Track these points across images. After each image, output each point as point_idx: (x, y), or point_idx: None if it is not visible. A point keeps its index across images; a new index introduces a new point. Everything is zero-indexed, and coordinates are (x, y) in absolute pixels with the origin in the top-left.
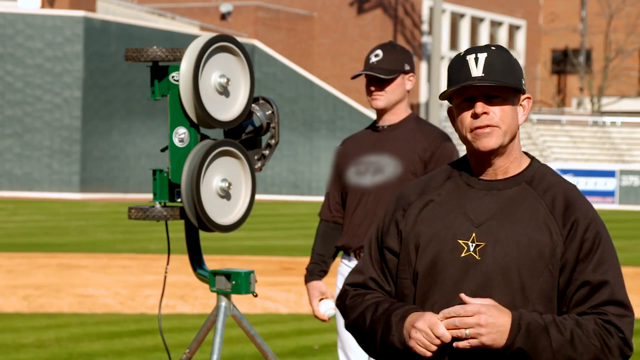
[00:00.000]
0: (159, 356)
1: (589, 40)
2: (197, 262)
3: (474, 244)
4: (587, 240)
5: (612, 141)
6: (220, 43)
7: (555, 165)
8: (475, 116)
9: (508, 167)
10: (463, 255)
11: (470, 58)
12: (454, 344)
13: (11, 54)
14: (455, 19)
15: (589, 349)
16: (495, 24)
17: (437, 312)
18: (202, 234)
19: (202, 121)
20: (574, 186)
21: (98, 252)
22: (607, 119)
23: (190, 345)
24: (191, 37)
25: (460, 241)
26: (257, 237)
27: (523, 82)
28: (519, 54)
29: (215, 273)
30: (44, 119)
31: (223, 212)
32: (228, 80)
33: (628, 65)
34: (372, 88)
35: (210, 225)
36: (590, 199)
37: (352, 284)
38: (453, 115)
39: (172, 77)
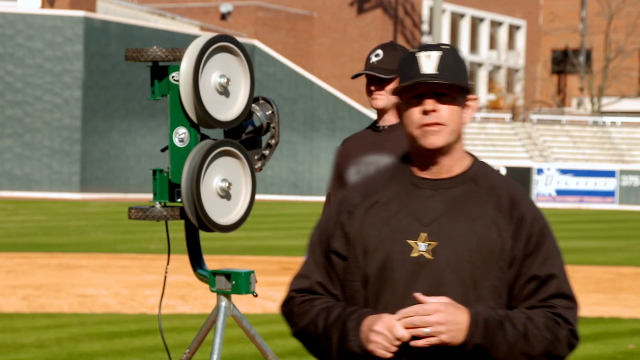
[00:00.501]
0: (159, 356)
1: (589, 40)
2: (197, 262)
3: (425, 244)
4: (534, 235)
5: (612, 141)
6: (220, 43)
7: (555, 165)
8: (424, 113)
9: (452, 165)
10: (413, 255)
11: (422, 55)
12: (412, 343)
13: (11, 54)
14: (455, 19)
15: (541, 342)
16: (495, 24)
17: (390, 314)
18: (202, 234)
19: (202, 121)
20: (517, 183)
21: (98, 252)
22: (607, 119)
23: (190, 345)
24: (191, 37)
25: (409, 241)
26: (257, 237)
27: (470, 83)
28: (519, 54)
29: (215, 273)
30: (44, 119)
31: (223, 212)
32: (228, 80)
33: (628, 65)
34: (372, 88)
35: (210, 225)
36: (590, 198)
37: (298, 289)
38: (400, 111)
39: (172, 77)
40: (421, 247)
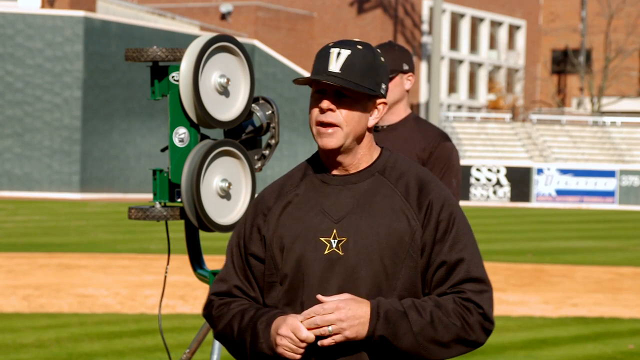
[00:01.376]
0: (159, 356)
1: (589, 40)
2: (197, 262)
3: (335, 240)
4: (442, 221)
5: (612, 141)
6: (220, 43)
7: (555, 165)
8: (321, 110)
9: (358, 163)
10: (326, 252)
11: (334, 52)
12: (319, 343)
13: (11, 54)
14: (455, 19)
15: (449, 329)
16: (495, 24)
17: (297, 314)
18: (202, 234)
19: (202, 121)
20: (426, 170)
21: (98, 252)
22: (607, 119)
23: (190, 345)
24: (191, 37)
25: (322, 239)
26: None
27: (384, 86)
28: (519, 54)
29: (215, 273)
30: (44, 119)
31: (223, 212)
32: (228, 80)
33: (628, 65)
34: None
35: (210, 225)
36: (590, 198)
37: (217, 293)
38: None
39: (172, 77)
40: (333, 243)
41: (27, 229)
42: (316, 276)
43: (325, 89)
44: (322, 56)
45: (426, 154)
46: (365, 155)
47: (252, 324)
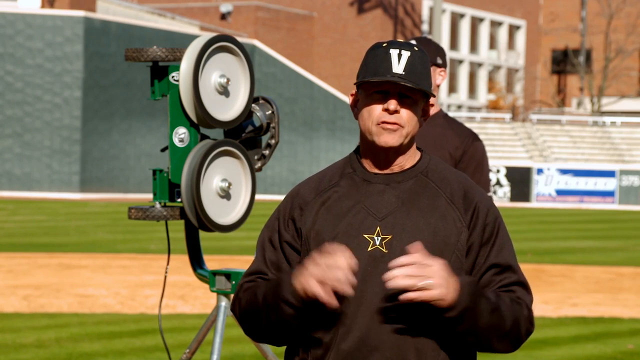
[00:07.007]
0: (159, 356)
1: (589, 40)
2: (197, 262)
3: (379, 238)
4: (489, 225)
5: (612, 141)
6: (220, 43)
7: (555, 165)
8: (386, 111)
9: (404, 162)
10: (369, 249)
11: (394, 53)
12: (401, 297)
13: (11, 54)
14: (455, 19)
15: (509, 317)
16: (495, 24)
17: (348, 310)
18: (202, 234)
19: (202, 121)
20: (466, 175)
21: (98, 252)
22: (607, 119)
23: (190, 345)
24: (191, 37)
25: (365, 235)
26: (257, 237)
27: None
28: (519, 54)
29: (215, 273)
30: (44, 119)
31: (223, 212)
32: (228, 80)
33: (628, 65)
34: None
35: (210, 225)
36: (590, 198)
37: (244, 282)
38: (359, 103)
39: (172, 77)
40: (376, 241)
41: (27, 229)
42: (359, 273)
43: (388, 89)
44: (382, 57)
45: (459, 153)
46: (411, 156)
47: (275, 279)
